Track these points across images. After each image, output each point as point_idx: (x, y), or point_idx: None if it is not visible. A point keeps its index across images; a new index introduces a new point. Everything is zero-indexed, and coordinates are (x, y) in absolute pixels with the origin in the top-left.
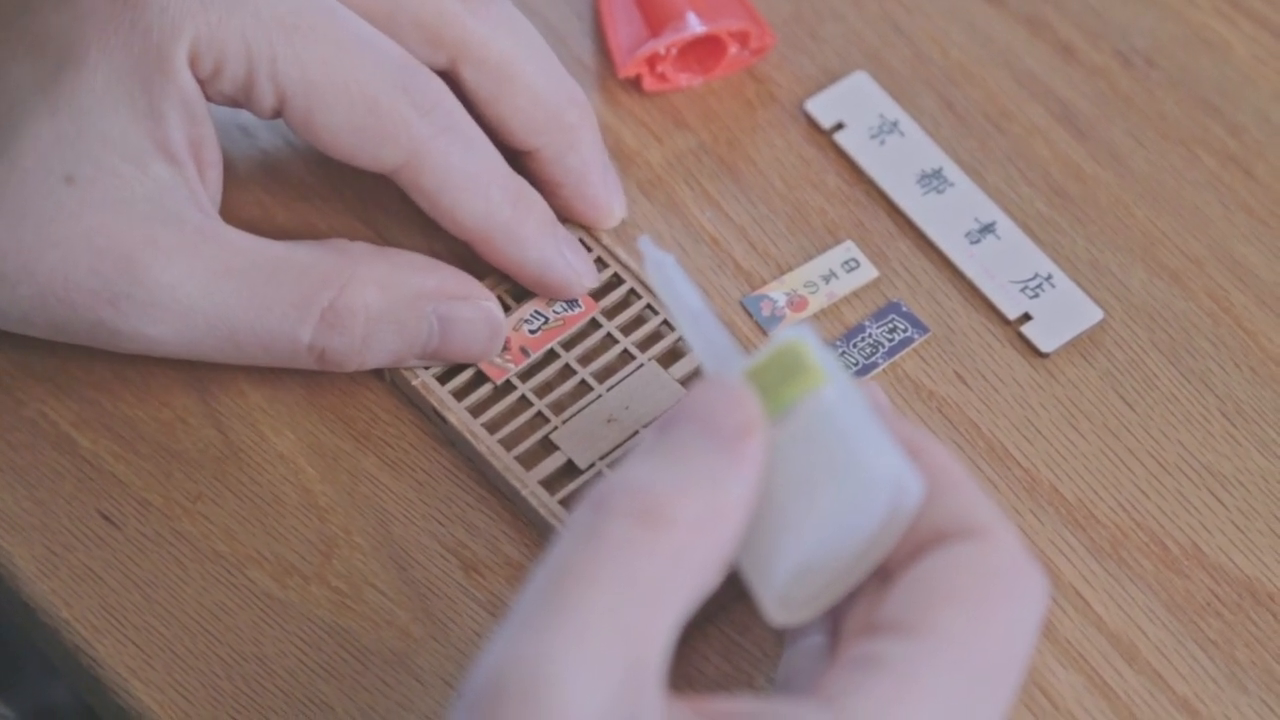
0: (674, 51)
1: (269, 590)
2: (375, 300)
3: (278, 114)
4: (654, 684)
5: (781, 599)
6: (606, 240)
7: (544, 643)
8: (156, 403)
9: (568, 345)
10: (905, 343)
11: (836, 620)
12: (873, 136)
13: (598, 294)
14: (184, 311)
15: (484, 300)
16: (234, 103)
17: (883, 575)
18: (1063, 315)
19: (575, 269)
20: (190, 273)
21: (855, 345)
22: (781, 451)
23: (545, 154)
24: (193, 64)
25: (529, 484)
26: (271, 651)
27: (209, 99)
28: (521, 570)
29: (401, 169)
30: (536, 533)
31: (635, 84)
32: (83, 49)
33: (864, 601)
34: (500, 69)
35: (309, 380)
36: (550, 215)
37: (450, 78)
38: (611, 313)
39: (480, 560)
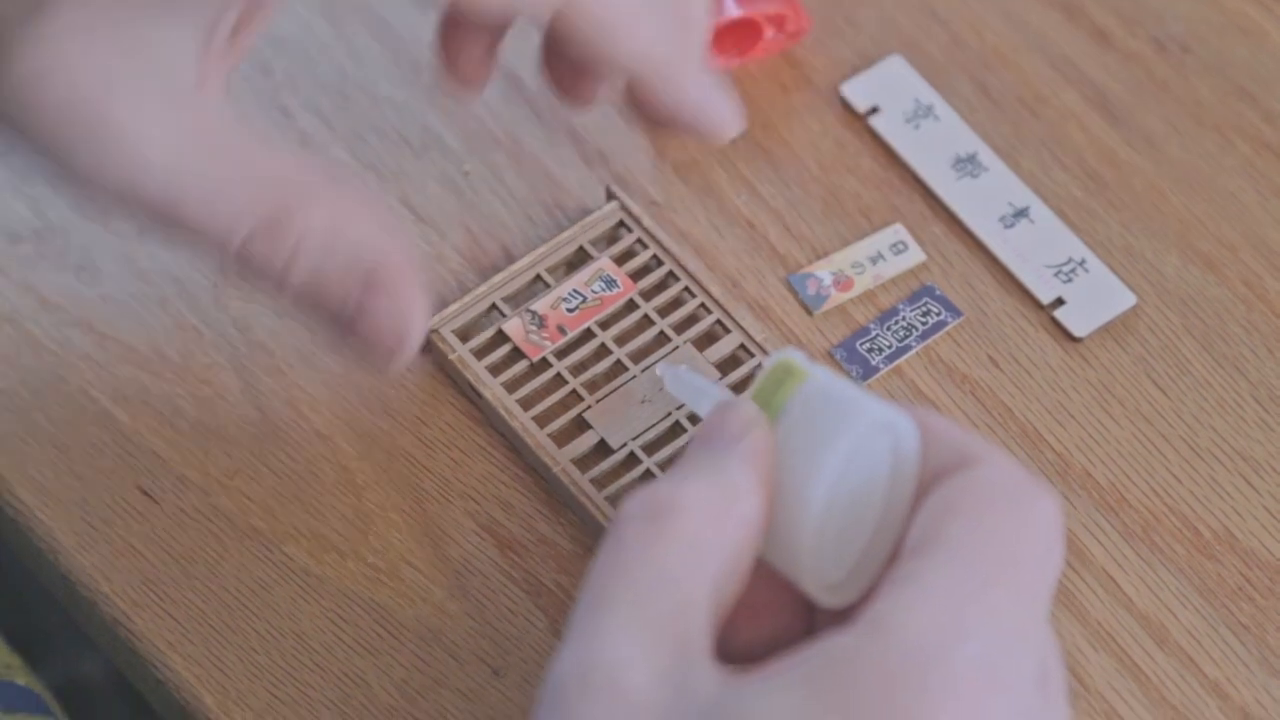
0: (710, 34)
1: (306, 566)
2: (320, 223)
3: None
4: (701, 655)
5: (821, 579)
6: (647, 223)
7: (587, 640)
8: (195, 380)
9: (604, 325)
10: (938, 326)
11: None
12: (908, 120)
13: (636, 275)
14: (142, 156)
15: (416, 294)
16: None
17: None
18: (1096, 300)
19: (729, 103)
20: (156, 118)
21: (889, 328)
22: (784, 443)
23: None
24: None
25: (561, 461)
26: (308, 627)
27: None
28: (556, 548)
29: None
30: (570, 511)
31: None
32: None
33: None
34: None
35: (347, 359)
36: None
37: None
38: (650, 294)
39: (516, 538)
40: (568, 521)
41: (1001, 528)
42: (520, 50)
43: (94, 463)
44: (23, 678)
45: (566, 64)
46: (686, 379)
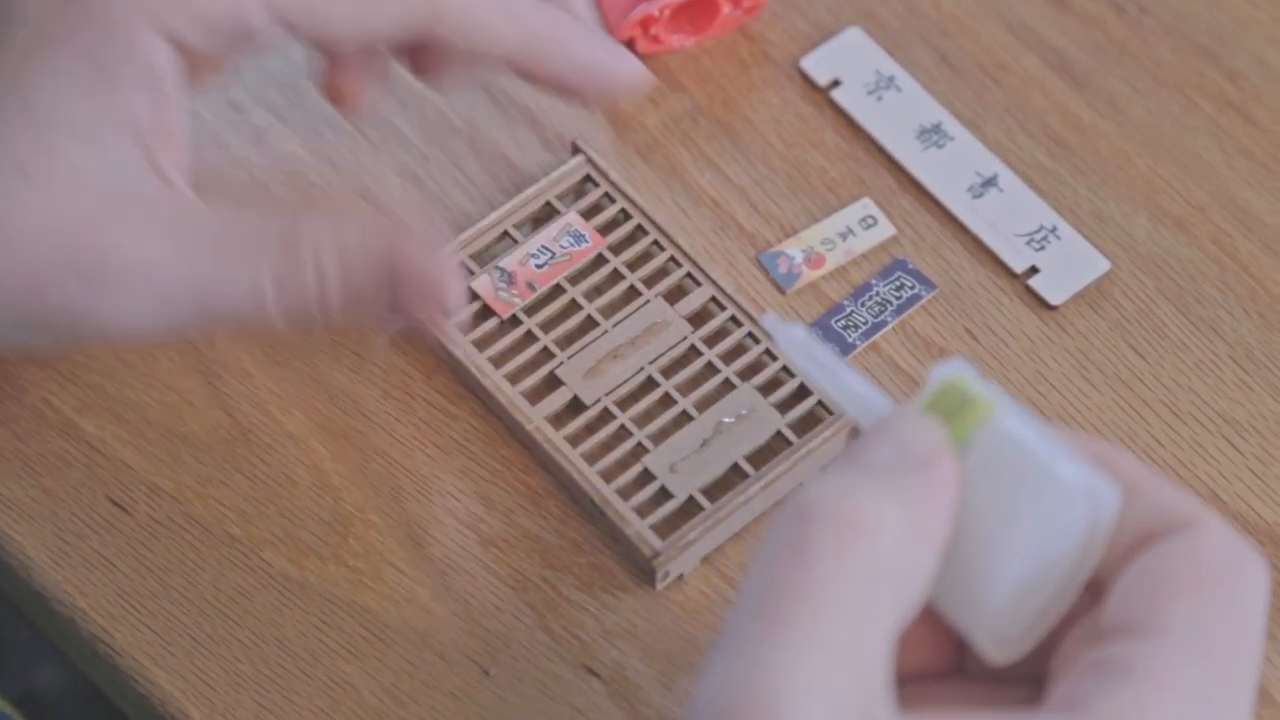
0: (667, 13)
1: (286, 572)
2: (326, 244)
3: (274, 29)
4: (884, 698)
5: (996, 636)
6: (614, 176)
7: (769, 669)
8: (161, 386)
9: (574, 280)
10: (913, 300)
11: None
12: (870, 93)
13: (605, 229)
14: (154, 281)
15: (441, 262)
16: (233, 44)
17: (1095, 589)
18: (1069, 267)
19: (629, 61)
20: (153, 241)
21: (863, 304)
22: (969, 484)
23: None
24: (165, 33)
25: (534, 420)
26: (292, 634)
27: (204, 65)
28: (540, 542)
29: (419, 8)
30: (549, 476)
31: (628, 47)
32: (24, 32)
33: (1080, 616)
34: None
35: (315, 360)
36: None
37: None
38: (619, 248)
39: (498, 534)
40: (549, 514)
41: (1229, 616)
42: None
43: (62, 475)
44: None
45: (429, 54)
46: (810, 348)
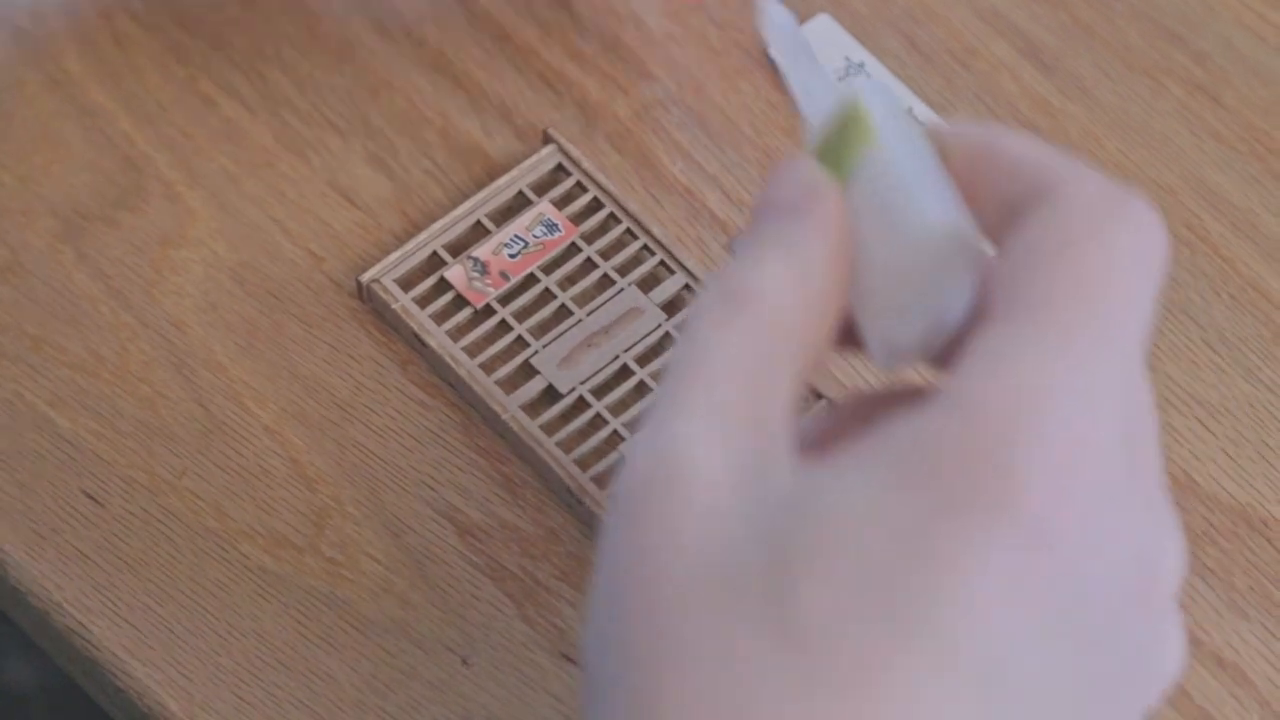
0: None
1: (263, 564)
2: None
3: None
4: (781, 443)
5: (883, 343)
6: (586, 165)
7: (665, 437)
8: (134, 379)
9: (548, 269)
10: None
11: None
12: (839, 79)
13: (577, 218)
14: None
15: None
16: None
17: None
18: None
19: None
20: None
21: None
22: (858, 210)
23: None
24: None
25: (509, 409)
26: (270, 626)
27: None
28: (517, 531)
29: None
30: (525, 464)
31: (598, 34)
32: None
33: None
34: None
35: (289, 351)
36: None
37: None
38: (591, 237)
39: (474, 524)
40: (526, 503)
41: (1083, 273)
42: (446, 25)
43: (35, 470)
44: None
45: None
46: (793, 43)
